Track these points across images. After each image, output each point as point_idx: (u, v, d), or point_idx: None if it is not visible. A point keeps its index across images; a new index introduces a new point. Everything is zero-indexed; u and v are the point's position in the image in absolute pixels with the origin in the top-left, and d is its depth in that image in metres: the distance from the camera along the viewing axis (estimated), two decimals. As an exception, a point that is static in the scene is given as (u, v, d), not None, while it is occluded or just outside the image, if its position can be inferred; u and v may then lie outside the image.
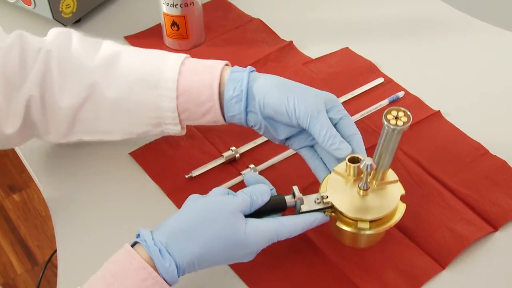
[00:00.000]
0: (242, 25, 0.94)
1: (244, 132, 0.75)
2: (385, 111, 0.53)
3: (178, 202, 0.70)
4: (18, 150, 0.77)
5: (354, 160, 0.59)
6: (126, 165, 0.75)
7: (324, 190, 0.60)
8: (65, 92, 0.65)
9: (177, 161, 0.75)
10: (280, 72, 0.85)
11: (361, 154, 0.61)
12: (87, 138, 0.69)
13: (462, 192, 0.70)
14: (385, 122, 0.53)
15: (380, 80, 0.84)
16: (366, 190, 0.59)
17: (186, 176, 0.72)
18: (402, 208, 0.60)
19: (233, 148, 0.75)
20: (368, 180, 0.59)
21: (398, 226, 0.66)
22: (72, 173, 0.74)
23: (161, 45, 0.90)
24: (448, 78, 0.86)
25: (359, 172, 0.59)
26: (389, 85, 0.84)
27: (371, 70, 0.86)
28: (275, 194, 0.60)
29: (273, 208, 0.59)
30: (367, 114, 0.79)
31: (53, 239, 1.65)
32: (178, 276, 0.55)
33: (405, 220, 0.64)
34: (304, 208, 0.59)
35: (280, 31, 0.93)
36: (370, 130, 0.77)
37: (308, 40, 0.91)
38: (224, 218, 0.56)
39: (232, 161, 0.74)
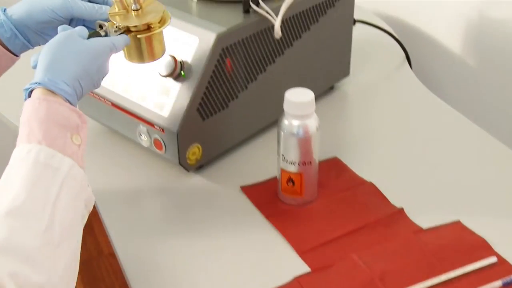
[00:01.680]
0: (354, 186, 0.97)
1: None
2: None
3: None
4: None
5: None
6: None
7: (112, 25, 0.78)
8: None
9: None
10: (389, 239, 0.86)
11: None
12: None
13: None
14: None
15: (492, 259, 0.82)
16: (139, 9, 0.80)
17: None
18: (167, 13, 0.82)
19: None
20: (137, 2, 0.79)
21: None
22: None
23: (275, 199, 0.94)
24: None
25: (125, 3, 0.79)
26: (503, 266, 0.81)
27: (483, 248, 0.84)
28: None
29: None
30: (477, 294, 0.77)
31: None
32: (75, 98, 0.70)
33: None
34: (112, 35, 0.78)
35: (392, 196, 0.94)
36: (480, 311, 0.75)
37: (419, 208, 0.92)
38: (76, 41, 0.71)
39: None
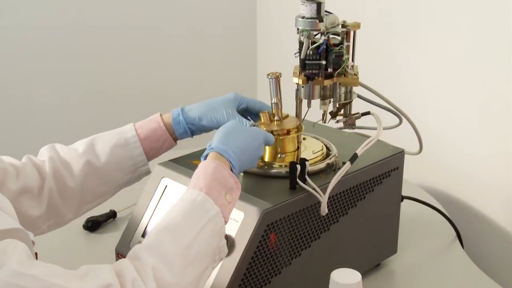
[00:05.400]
0: None
1: None
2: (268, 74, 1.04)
3: None
4: None
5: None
6: None
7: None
8: (70, 176, 1.00)
9: None
10: None
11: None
12: (93, 205, 1.05)
13: None
14: (268, 77, 1.03)
15: None
16: (280, 120, 1.04)
17: None
18: (301, 124, 1.07)
19: None
20: (279, 115, 1.04)
21: None
22: None
23: None
24: None
25: (270, 116, 1.04)
26: None
27: None
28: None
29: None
30: None
31: None
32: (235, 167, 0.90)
33: None
34: None
35: None
36: None
37: None
38: (241, 126, 0.97)
39: None
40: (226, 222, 0.85)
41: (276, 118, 1.05)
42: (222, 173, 0.87)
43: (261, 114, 1.05)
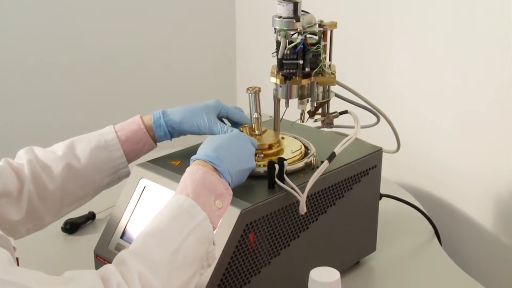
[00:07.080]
0: None
1: None
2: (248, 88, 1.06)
3: None
4: None
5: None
6: None
7: None
8: (50, 179, 0.99)
9: None
10: None
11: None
12: (72, 208, 1.04)
13: None
14: (248, 92, 1.06)
15: None
16: (260, 134, 1.06)
17: None
18: (281, 140, 1.10)
19: None
20: (259, 129, 1.06)
21: None
22: None
23: None
24: None
25: (250, 131, 1.06)
26: None
27: None
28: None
29: None
30: None
31: None
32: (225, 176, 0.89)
33: None
34: None
35: None
36: None
37: None
38: (224, 134, 1.00)
39: None
40: (215, 228, 0.85)
41: (256, 132, 1.06)
42: (210, 179, 0.86)
43: (241, 129, 1.06)
